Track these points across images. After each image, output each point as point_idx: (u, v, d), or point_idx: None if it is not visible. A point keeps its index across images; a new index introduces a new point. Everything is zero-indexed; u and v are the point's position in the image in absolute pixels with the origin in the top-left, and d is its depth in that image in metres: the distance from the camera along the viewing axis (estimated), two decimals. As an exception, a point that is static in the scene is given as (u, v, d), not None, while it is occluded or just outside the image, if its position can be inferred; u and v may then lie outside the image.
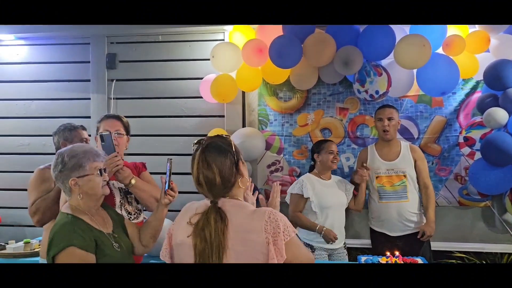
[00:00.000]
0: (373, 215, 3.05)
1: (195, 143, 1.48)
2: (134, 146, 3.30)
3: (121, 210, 2.16)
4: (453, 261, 3.68)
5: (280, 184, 3.32)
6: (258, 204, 1.72)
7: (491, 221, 3.28)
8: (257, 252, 1.32)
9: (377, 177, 2.96)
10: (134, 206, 2.22)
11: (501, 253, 3.60)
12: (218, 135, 1.50)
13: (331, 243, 2.81)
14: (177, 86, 3.57)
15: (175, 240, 1.47)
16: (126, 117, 2.36)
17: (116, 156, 2.01)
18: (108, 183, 2.14)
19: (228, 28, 3.39)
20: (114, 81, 3.62)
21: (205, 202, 1.43)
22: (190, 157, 1.48)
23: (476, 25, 2.98)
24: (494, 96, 2.96)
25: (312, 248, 2.87)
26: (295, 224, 2.94)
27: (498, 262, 3.62)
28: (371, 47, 2.91)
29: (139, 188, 2.09)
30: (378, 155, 2.99)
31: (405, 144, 3.00)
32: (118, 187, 2.19)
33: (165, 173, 1.75)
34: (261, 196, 1.80)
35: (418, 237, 2.81)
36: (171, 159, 1.74)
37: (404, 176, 2.90)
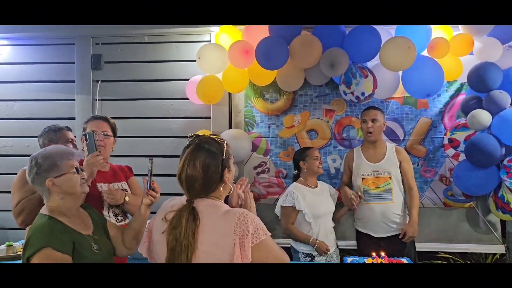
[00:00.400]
0: (358, 216, 3.06)
1: (190, 137, 1.49)
2: (119, 147, 3.25)
3: (108, 212, 2.14)
4: (439, 261, 3.72)
5: (267, 185, 3.35)
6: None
7: (476, 222, 3.31)
8: (224, 254, 1.32)
9: (362, 179, 2.97)
10: (121, 208, 2.21)
11: (486, 254, 3.64)
12: (213, 138, 1.49)
13: (324, 255, 2.84)
14: (163, 87, 3.55)
15: (154, 235, 1.48)
16: (112, 118, 2.34)
17: (98, 155, 1.99)
18: (95, 185, 2.13)
19: (215, 29, 3.37)
20: (99, 82, 3.58)
21: (181, 200, 1.44)
22: (177, 158, 1.48)
23: (460, 28, 3.00)
24: (478, 98, 2.99)
25: (312, 257, 2.87)
26: (289, 236, 2.95)
27: (483, 262, 3.67)
28: (357, 49, 2.92)
29: (132, 205, 2.12)
30: (364, 157, 3.01)
31: (390, 146, 3.02)
32: (106, 190, 2.17)
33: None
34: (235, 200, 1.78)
35: (400, 237, 2.83)
36: (152, 159, 1.73)
37: (389, 177, 2.92)
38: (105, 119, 2.29)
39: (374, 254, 2.45)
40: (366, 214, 2.97)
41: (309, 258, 2.86)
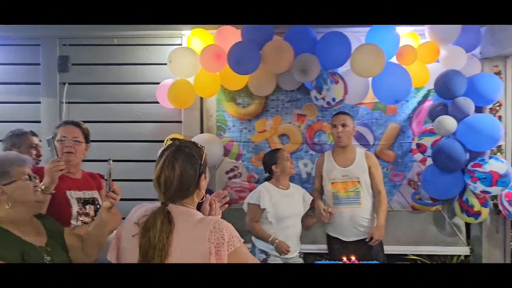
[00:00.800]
0: (329, 220, 3.08)
1: (170, 139, 1.48)
2: (89, 152, 3.19)
3: (77, 221, 2.08)
4: (407, 263, 3.80)
5: (239, 190, 3.33)
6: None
7: (442, 225, 3.40)
8: (198, 261, 1.31)
9: (332, 183, 3.01)
10: (91, 217, 2.14)
11: (451, 255, 3.75)
12: (194, 142, 1.50)
13: (283, 255, 2.81)
14: (133, 91, 3.48)
15: (123, 242, 1.44)
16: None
17: (59, 161, 1.94)
18: (65, 193, 2.06)
19: (186, 33, 3.33)
20: (66, 84, 3.48)
21: (154, 205, 1.42)
22: (146, 163, 1.46)
23: (427, 36, 3.08)
24: (444, 105, 3.07)
25: (266, 254, 2.87)
26: (251, 234, 2.93)
27: (449, 263, 3.77)
28: (328, 55, 2.96)
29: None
30: (334, 161, 3.04)
31: (360, 151, 3.07)
32: (76, 197, 2.11)
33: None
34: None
35: (367, 240, 2.87)
36: (110, 159, 1.70)
37: (358, 182, 2.96)
38: (76, 124, 2.22)
39: (344, 259, 2.47)
40: (336, 218, 2.99)
41: (264, 256, 2.85)
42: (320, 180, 3.11)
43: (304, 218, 3.02)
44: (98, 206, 2.18)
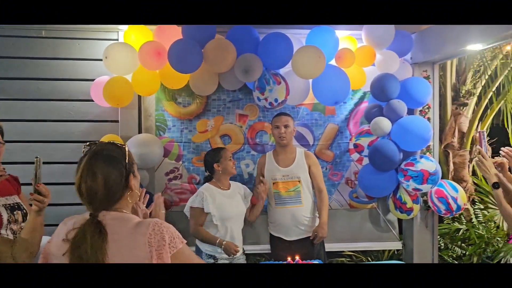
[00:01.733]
0: (271, 220, 3.12)
1: (87, 145, 1.36)
2: (13, 153, 2.92)
3: (6, 230, 1.87)
4: (343, 259, 3.94)
5: (179, 192, 3.23)
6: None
7: (377, 221, 3.56)
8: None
9: (273, 183, 3.03)
10: (19, 225, 1.94)
11: (383, 250, 3.96)
12: (113, 143, 1.38)
13: (232, 256, 2.78)
14: (64, 87, 3.22)
15: (52, 261, 1.32)
16: (2, 120, 2.05)
17: None
18: None
19: (123, 27, 3.16)
20: (-14, 79, 3.15)
21: (83, 216, 1.30)
22: (80, 165, 1.33)
23: (364, 41, 3.20)
24: (379, 107, 3.22)
25: (215, 259, 2.82)
26: (197, 238, 2.86)
27: (381, 259, 3.98)
28: (271, 56, 2.96)
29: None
30: (275, 162, 3.07)
31: (300, 151, 3.12)
32: (3, 205, 1.90)
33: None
34: (144, 211, 1.67)
35: (311, 239, 2.92)
36: (39, 157, 1.58)
37: (299, 181, 3.01)
38: None
39: (289, 259, 2.49)
40: (278, 217, 3.03)
41: (212, 261, 2.81)
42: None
43: (247, 214, 3.02)
44: (24, 211, 1.98)
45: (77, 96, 3.24)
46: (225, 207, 2.83)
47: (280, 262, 2.52)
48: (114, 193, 1.31)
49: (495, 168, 2.29)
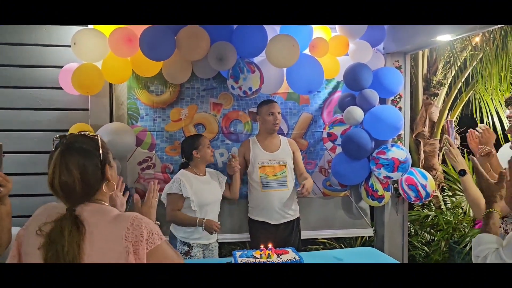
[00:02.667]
0: (253, 205, 3.17)
1: (56, 138, 1.31)
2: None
3: None
4: (317, 246, 4.00)
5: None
6: (131, 205, 1.58)
7: (350, 209, 3.62)
8: (115, 261, 1.22)
9: (260, 167, 3.08)
10: None
11: (356, 237, 4.04)
12: (84, 134, 1.34)
13: (215, 233, 2.82)
14: (32, 75, 3.11)
15: (25, 250, 1.28)
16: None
17: None
18: None
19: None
20: None
21: (58, 208, 1.26)
22: (47, 155, 1.29)
23: (337, 30, 3.22)
24: (352, 96, 3.25)
25: (189, 247, 2.83)
26: (175, 222, 2.86)
27: (353, 245, 4.06)
28: (245, 44, 2.94)
29: None
30: (260, 147, 3.13)
31: (283, 138, 3.24)
32: None
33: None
34: (136, 196, 1.64)
35: (298, 189, 2.99)
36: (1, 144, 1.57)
37: (285, 166, 3.12)
38: None
39: (262, 247, 2.51)
40: (264, 201, 3.10)
41: (187, 248, 2.83)
42: (242, 165, 3.15)
43: (227, 193, 3.10)
44: None
45: (45, 83, 3.13)
46: (202, 192, 2.86)
47: (255, 250, 2.53)
48: (92, 187, 1.28)
49: (482, 157, 2.34)
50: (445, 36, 2.89)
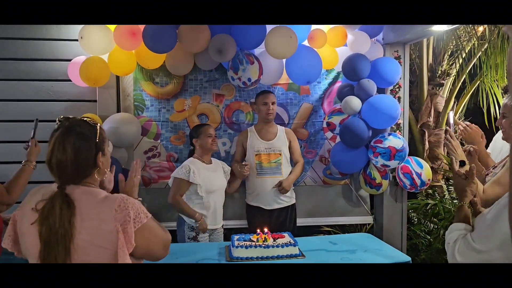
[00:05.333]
0: (249, 191, 3.31)
1: (60, 120, 1.42)
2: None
3: None
4: (321, 234, 4.09)
5: (158, 170, 3.34)
6: (116, 187, 1.65)
7: (349, 197, 3.70)
8: (105, 241, 1.31)
9: (256, 155, 3.22)
10: None
11: (361, 224, 4.11)
12: (85, 120, 1.44)
13: (200, 233, 2.97)
14: (42, 68, 3.29)
15: (21, 228, 1.39)
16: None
17: None
18: None
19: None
20: (-36, 60, 3.20)
21: (52, 188, 1.37)
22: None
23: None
24: (350, 86, 3.31)
25: (196, 232, 2.98)
26: (175, 207, 3.00)
27: (359, 232, 4.13)
28: (244, 36, 3.03)
29: None
30: (257, 136, 3.27)
31: (281, 128, 3.34)
32: None
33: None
34: (121, 176, 1.74)
35: (275, 186, 3.18)
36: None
37: (280, 154, 3.24)
38: None
39: (258, 231, 2.62)
40: (258, 187, 3.24)
41: (194, 234, 2.97)
42: (241, 153, 3.32)
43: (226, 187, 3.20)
44: None
45: (55, 76, 3.30)
46: (210, 179, 2.99)
47: (252, 234, 2.64)
48: (83, 169, 1.38)
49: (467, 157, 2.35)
50: (442, 26, 2.92)
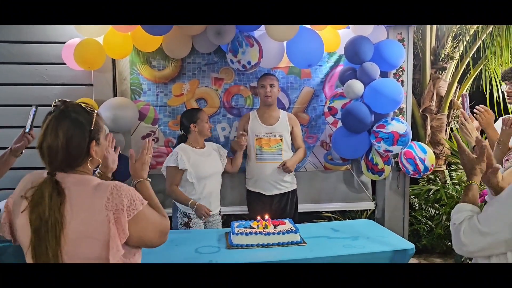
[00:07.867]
0: (249, 176, 3.24)
1: (58, 101, 1.34)
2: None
3: None
4: (322, 220, 4.06)
5: (156, 155, 3.26)
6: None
7: (351, 183, 3.66)
8: (97, 232, 1.24)
9: (256, 139, 3.15)
10: None
11: (361, 211, 4.08)
12: (82, 106, 1.36)
13: (203, 218, 2.87)
14: (35, 50, 3.19)
15: (14, 217, 1.33)
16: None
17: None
18: None
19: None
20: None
21: (43, 174, 1.30)
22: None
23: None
24: (353, 70, 3.23)
25: (189, 218, 2.90)
26: (172, 197, 2.93)
27: (359, 218, 4.10)
28: (243, 17, 2.93)
29: None
30: (259, 119, 3.19)
31: (284, 113, 3.25)
32: None
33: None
34: (131, 151, 1.66)
35: (279, 166, 3.11)
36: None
37: (281, 139, 3.15)
38: None
39: (259, 218, 2.57)
40: (258, 172, 3.17)
41: (186, 220, 2.89)
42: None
43: (228, 167, 3.13)
44: None
45: (49, 59, 3.21)
46: (200, 165, 2.89)
47: (252, 220, 2.59)
48: (74, 157, 1.30)
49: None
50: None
